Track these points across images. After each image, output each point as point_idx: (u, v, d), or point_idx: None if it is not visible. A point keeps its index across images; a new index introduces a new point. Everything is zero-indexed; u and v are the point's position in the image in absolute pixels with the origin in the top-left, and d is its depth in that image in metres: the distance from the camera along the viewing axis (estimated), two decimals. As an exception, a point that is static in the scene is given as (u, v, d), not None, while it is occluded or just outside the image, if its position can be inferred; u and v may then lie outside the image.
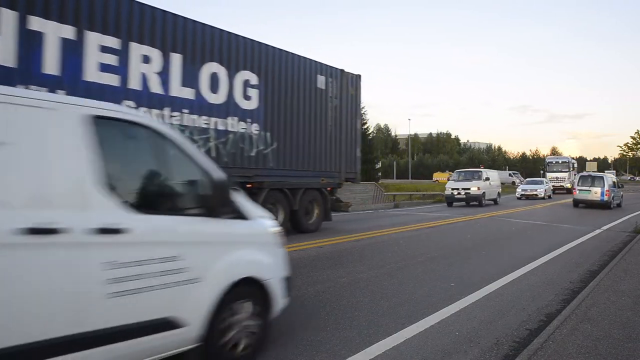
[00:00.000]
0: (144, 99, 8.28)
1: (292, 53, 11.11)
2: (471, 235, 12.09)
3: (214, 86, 9.42)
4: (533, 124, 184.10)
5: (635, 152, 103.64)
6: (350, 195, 21.87)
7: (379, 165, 49.41)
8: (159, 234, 3.15)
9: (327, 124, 11.79)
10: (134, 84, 8.13)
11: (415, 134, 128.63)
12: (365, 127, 45.40)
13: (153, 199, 3.36)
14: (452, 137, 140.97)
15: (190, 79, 8.92)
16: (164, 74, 8.56)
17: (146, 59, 8.36)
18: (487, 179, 23.91)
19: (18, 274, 2.47)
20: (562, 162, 42.13)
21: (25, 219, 2.50)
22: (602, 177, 22.60)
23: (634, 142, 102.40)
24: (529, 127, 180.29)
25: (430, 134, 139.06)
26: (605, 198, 21.36)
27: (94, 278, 2.74)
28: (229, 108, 9.70)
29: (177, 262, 3.15)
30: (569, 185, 38.83)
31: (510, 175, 62.47)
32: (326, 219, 12.34)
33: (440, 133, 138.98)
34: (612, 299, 5.56)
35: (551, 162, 43.34)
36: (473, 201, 23.04)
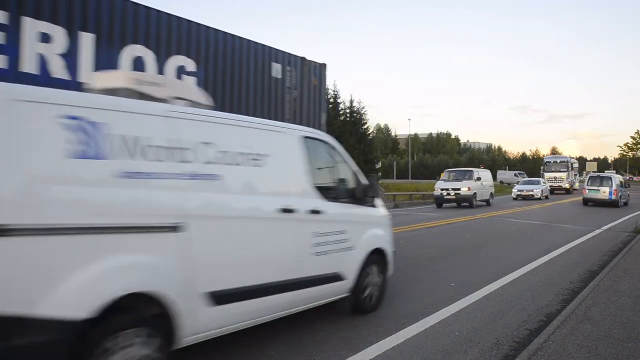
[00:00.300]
0: (42, 85, 7.48)
1: (239, 37, 9.94)
2: (471, 235, 12.09)
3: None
4: (533, 124, 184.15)
5: (635, 152, 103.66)
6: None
7: (379, 165, 49.39)
8: (336, 215, 4.68)
9: (284, 117, 10.56)
10: (29, 67, 7.11)
11: (415, 134, 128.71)
12: (365, 127, 45.44)
13: (332, 191, 4.81)
14: (452, 137, 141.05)
15: (105, 63, 7.78)
16: (69, 57, 7.53)
17: (45, 38, 7.39)
18: (479, 178, 22.92)
19: (276, 235, 4.03)
20: (561, 162, 41.03)
21: (280, 203, 4.01)
22: (610, 178, 24.41)
23: (634, 142, 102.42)
24: (529, 127, 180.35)
25: (430, 134, 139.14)
26: (613, 197, 22.92)
27: (308, 241, 4.26)
28: None
29: (343, 235, 4.67)
30: (567, 186, 38.14)
31: (515, 175, 61.85)
32: None
33: (440, 133, 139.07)
34: (612, 299, 5.57)
35: (549, 162, 42.20)
36: (464, 202, 21.90)
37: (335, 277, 4.61)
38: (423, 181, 74.03)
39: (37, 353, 2.58)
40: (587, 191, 24.06)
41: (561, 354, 3.84)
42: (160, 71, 8.42)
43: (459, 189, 21.81)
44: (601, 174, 27.34)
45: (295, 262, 4.16)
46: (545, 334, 4.29)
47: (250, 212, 3.88)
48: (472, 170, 24.08)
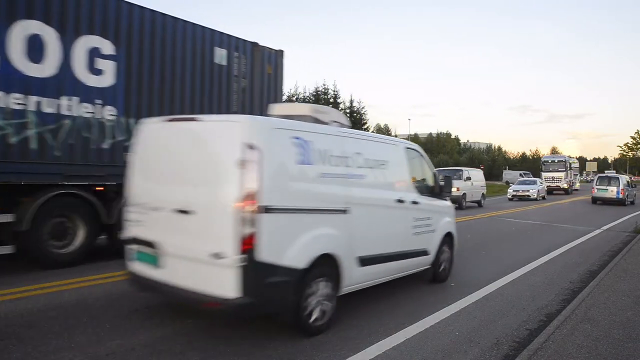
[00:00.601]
0: None
1: (173, 17, 8.54)
2: (471, 235, 12.09)
3: (35, 53, 6.76)
4: (533, 124, 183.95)
5: (635, 152, 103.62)
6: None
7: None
8: (426, 205, 6.25)
9: (230, 109, 9.26)
10: None
11: (415, 134, 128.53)
12: (365, 127, 45.51)
13: (422, 188, 6.33)
14: (452, 137, 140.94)
15: None
16: None
17: None
18: (469, 178, 21.92)
19: (394, 218, 5.64)
20: (559, 161, 39.58)
21: (396, 196, 5.63)
22: (617, 178, 26.47)
23: (634, 142, 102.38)
24: (529, 127, 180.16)
25: (430, 134, 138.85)
26: (621, 196, 24.76)
27: (410, 224, 5.88)
28: (62, 84, 7.04)
29: (429, 220, 6.28)
30: (565, 186, 37.28)
31: (521, 175, 61.23)
32: None
33: (440, 133, 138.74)
34: (612, 299, 5.57)
35: (547, 161, 40.89)
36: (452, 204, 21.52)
37: (424, 252, 6.24)
38: (423, 181, 73.96)
39: (280, 288, 4.05)
40: (596, 190, 25.71)
41: (561, 354, 3.85)
42: (67, 53, 7.13)
43: None
44: (609, 175, 29.18)
45: (404, 238, 5.82)
46: (545, 334, 4.30)
47: (381, 201, 5.44)
48: (461, 170, 22.84)
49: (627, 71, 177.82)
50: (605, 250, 9.88)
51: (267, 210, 3.89)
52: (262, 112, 9.15)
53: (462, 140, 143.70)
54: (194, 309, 4.44)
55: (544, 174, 38.01)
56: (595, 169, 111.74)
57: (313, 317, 4.33)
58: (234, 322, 4.62)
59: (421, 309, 5.26)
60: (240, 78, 9.59)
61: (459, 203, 20.53)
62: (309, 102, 40.03)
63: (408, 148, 6.32)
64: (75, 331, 4.30)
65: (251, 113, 9.45)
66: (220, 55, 9.18)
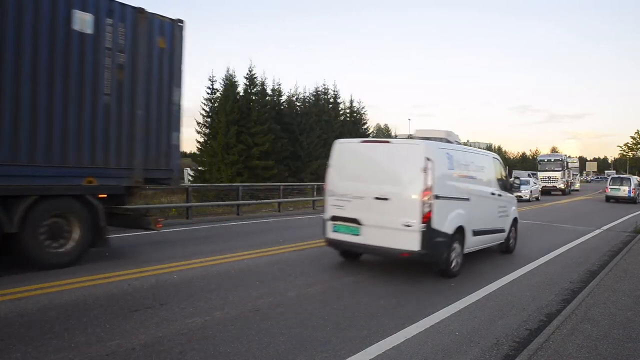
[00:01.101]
0: None
1: None
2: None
3: None
4: (533, 124, 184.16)
5: (635, 152, 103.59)
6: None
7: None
8: (504, 197, 8.86)
9: (99, 91, 7.33)
10: None
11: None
12: (365, 127, 45.48)
13: (501, 185, 8.86)
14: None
15: None
16: None
17: None
18: None
19: (490, 205, 8.34)
20: (555, 160, 38.29)
21: (490, 190, 8.40)
22: (629, 179, 29.87)
23: (634, 142, 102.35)
24: (529, 127, 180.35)
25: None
26: (632, 195, 27.81)
27: (496, 210, 8.54)
28: None
29: (505, 208, 8.94)
30: (562, 186, 36.07)
31: (529, 175, 60.50)
32: (97, 245, 7.55)
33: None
34: (612, 299, 5.57)
35: (543, 160, 39.62)
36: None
37: (502, 230, 8.88)
38: (423, 181, 73.85)
39: (441, 245, 6.55)
40: (609, 190, 29.16)
41: (561, 354, 3.84)
42: None
43: None
44: (621, 175, 33.11)
45: (494, 219, 8.44)
46: (545, 334, 4.30)
47: (484, 193, 8.13)
48: None
49: (627, 71, 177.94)
50: (605, 250, 9.88)
51: (436, 197, 6.50)
52: (153, 97, 8.09)
53: (462, 140, 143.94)
54: (197, 308, 4.41)
55: (540, 174, 36.87)
56: (595, 169, 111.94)
57: (452, 266, 6.90)
58: (236, 323, 4.63)
59: (421, 309, 5.26)
60: (116, 52, 7.52)
61: None
62: (308, 102, 40.03)
63: (494, 158, 9.31)
64: (75, 331, 4.30)
65: (135, 96, 7.81)
66: (83, 20, 7.17)
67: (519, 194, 26.58)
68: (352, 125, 43.29)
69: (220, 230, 12.46)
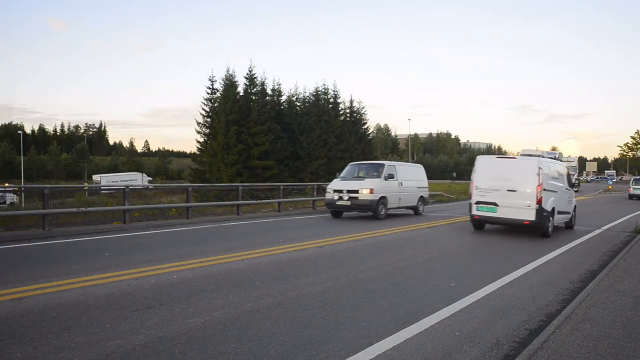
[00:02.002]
0: None
1: None
2: (471, 235, 12.08)
3: None
4: (533, 124, 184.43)
5: (635, 152, 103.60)
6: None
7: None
8: (571, 192, 13.90)
9: None
10: None
11: (415, 134, 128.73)
12: (365, 127, 45.49)
13: (568, 184, 13.78)
14: (452, 137, 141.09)
15: None
16: None
17: None
18: (391, 176, 15.96)
19: (565, 196, 13.10)
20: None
21: (566, 187, 13.56)
22: None
23: (634, 142, 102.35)
24: (529, 127, 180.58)
25: (430, 134, 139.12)
26: None
27: (567, 199, 13.32)
28: None
29: (571, 198, 13.81)
30: None
31: None
32: None
33: (440, 133, 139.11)
34: (612, 299, 5.57)
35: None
36: (363, 210, 15.47)
37: (569, 212, 13.37)
38: (423, 181, 73.72)
39: (546, 217, 11.55)
40: (632, 189, 34.36)
41: (561, 354, 3.84)
42: None
43: (356, 191, 15.28)
44: None
45: (566, 205, 12.96)
46: (545, 334, 4.29)
47: (562, 188, 12.77)
48: (382, 165, 16.63)
49: (627, 71, 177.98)
50: (605, 250, 9.88)
51: (544, 190, 11.18)
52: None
53: (462, 140, 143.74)
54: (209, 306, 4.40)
55: None
56: (595, 169, 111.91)
57: (550, 230, 11.60)
58: (235, 322, 4.63)
59: (421, 309, 5.26)
60: None
61: (372, 210, 15.17)
62: (308, 102, 40.04)
63: (566, 167, 14.28)
64: (75, 331, 4.30)
65: None
66: None
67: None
68: (352, 125, 43.32)
69: (220, 230, 12.45)
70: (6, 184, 62.18)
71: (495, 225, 13.18)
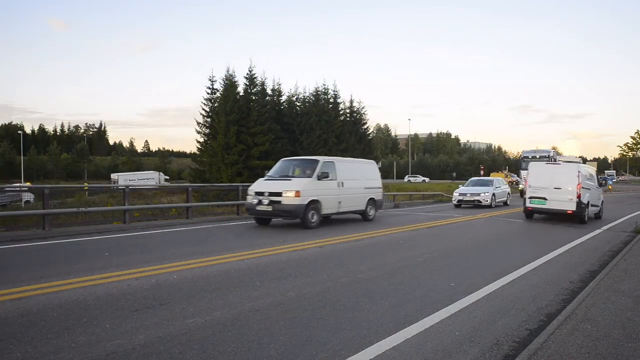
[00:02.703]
0: None
1: None
2: (471, 235, 12.09)
3: None
4: (533, 124, 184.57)
5: (635, 152, 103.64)
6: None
7: (379, 166, 49.36)
8: (599, 189, 18.35)
9: None
10: None
11: (415, 134, 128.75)
12: (365, 127, 45.49)
13: (597, 183, 18.36)
14: (452, 137, 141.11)
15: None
16: None
17: None
18: (325, 175, 13.10)
19: (595, 192, 17.10)
20: (541, 157, 33.05)
21: (595, 185, 17.73)
22: None
23: (634, 142, 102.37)
24: (529, 127, 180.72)
25: (430, 134, 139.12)
26: None
27: (598, 195, 17.50)
28: None
29: (600, 195, 17.99)
30: None
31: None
32: None
33: (440, 133, 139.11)
34: (612, 299, 5.56)
35: (527, 157, 34.10)
36: (287, 217, 12.96)
37: (598, 206, 17.17)
38: (423, 181, 73.91)
39: (583, 208, 15.31)
40: None
41: (561, 354, 3.84)
42: None
43: (279, 194, 12.43)
44: None
45: (596, 199, 16.86)
46: (545, 334, 4.29)
47: (593, 187, 16.75)
48: (315, 161, 13.50)
49: (627, 71, 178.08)
50: (605, 250, 9.88)
51: (582, 187, 14.94)
52: None
53: (462, 140, 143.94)
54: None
55: (523, 173, 31.97)
56: (596, 169, 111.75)
57: (586, 219, 15.25)
58: (235, 323, 4.63)
59: (421, 308, 5.26)
60: None
61: (300, 217, 12.34)
62: (308, 102, 40.03)
63: (594, 169, 18.98)
64: (75, 331, 4.30)
65: None
66: None
67: (476, 198, 22.43)
68: (352, 125, 43.32)
69: (220, 230, 12.45)
70: (28, 183, 62.48)
71: (509, 221, 13.15)
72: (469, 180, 26.46)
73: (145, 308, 5.03)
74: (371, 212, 15.18)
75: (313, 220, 12.59)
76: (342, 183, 13.75)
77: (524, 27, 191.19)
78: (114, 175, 75.36)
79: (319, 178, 12.92)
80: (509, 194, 25.17)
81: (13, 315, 4.74)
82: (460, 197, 23.02)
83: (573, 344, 4.07)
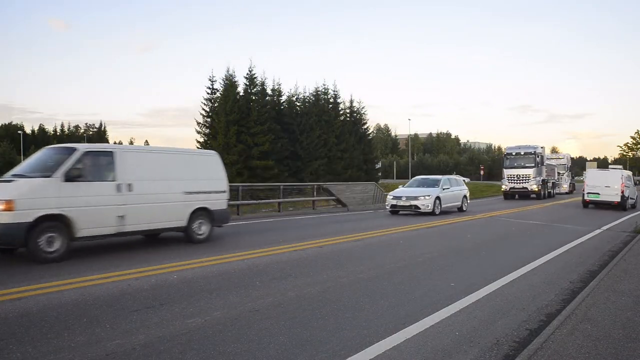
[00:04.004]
0: None
1: None
2: (471, 235, 12.09)
3: None
4: (533, 124, 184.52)
5: (635, 152, 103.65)
6: (350, 195, 21.90)
7: (379, 166, 49.37)
8: (635, 187, 25.86)
9: None
10: None
11: (415, 134, 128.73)
12: (365, 127, 45.47)
13: (633, 182, 26.91)
14: (452, 137, 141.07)
15: None
16: None
17: None
18: (78, 175, 8.04)
19: (633, 189, 24.63)
20: (526, 154, 29.31)
21: (634, 184, 26.98)
22: None
23: (634, 142, 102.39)
24: (529, 127, 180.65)
25: (430, 134, 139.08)
26: None
27: (635, 191, 24.51)
28: None
29: (635, 191, 24.22)
30: (535, 187, 28.18)
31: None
32: None
33: (440, 133, 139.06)
34: (612, 299, 5.56)
35: (510, 154, 30.20)
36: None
37: (633, 199, 23.35)
38: (423, 181, 73.73)
39: (625, 200, 22.54)
40: None
41: (561, 354, 3.84)
42: None
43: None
44: None
45: (634, 194, 23.55)
46: (545, 334, 4.29)
47: (630, 185, 23.79)
48: (70, 150, 8.38)
49: (627, 71, 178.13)
50: (605, 250, 9.88)
51: (625, 186, 21.77)
52: None
53: (462, 140, 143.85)
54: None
55: (505, 172, 29.48)
56: (631, 173, 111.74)
57: (627, 208, 22.07)
58: (235, 323, 4.63)
59: (421, 308, 5.26)
60: None
61: (16, 245, 7.85)
62: (308, 102, 40.00)
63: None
64: (75, 331, 4.30)
65: None
66: None
67: (412, 203, 17.19)
68: (352, 125, 43.29)
69: (220, 230, 12.45)
70: None
71: (509, 221, 12.89)
72: (412, 179, 20.83)
73: (145, 308, 5.03)
74: (202, 229, 10.10)
75: (49, 250, 7.60)
76: (131, 186, 8.72)
77: (524, 27, 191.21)
78: None
79: (69, 179, 7.90)
80: (465, 197, 19.95)
81: (13, 315, 4.74)
82: (395, 202, 17.65)
83: (573, 344, 4.07)
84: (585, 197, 22.48)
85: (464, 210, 19.43)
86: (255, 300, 5.42)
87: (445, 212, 17.94)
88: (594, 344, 4.08)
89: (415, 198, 17.26)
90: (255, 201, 18.74)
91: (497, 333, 4.56)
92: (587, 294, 5.77)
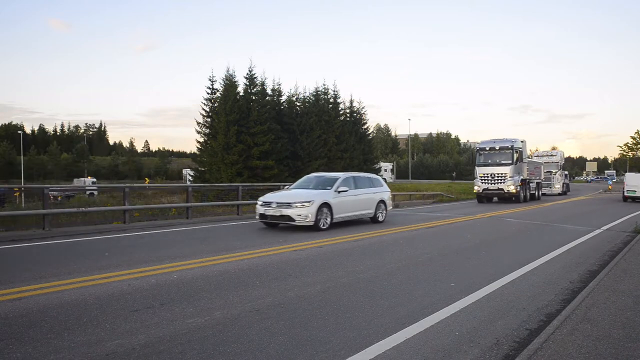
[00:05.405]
0: None
1: None
2: (471, 235, 12.09)
3: None
4: (533, 123, 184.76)
5: (635, 152, 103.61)
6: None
7: (378, 166, 49.33)
8: None
9: None
10: None
11: (415, 134, 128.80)
12: (365, 127, 45.46)
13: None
14: (452, 137, 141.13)
15: None
16: None
17: None
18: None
19: None
20: (502, 149, 24.86)
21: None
22: None
23: (634, 142, 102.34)
24: (529, 127, 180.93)
25: (430, 134, 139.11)
26: None
27: None
28: None
29: None
30: (512, 189, 23.91)
31: (599, 176, 57.46)
32: None
33: (440, 133, 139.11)
34: (612, 299, 5.56)
35: (484, 149, 25.52)
36: None
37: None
38: (423, 181, 73.94)
39: None
40: None
41: (561, 354, 3.84)
42: None
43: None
44: None
45: None
46: (545, 334, 4.29)
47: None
48: None
49: (627, 71, 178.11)
50: (605, 250, 9.88)
51: None
52: None
53: (462, 140, 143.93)
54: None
55: (478, 170, 25.33)
56: (595, 169, 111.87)
57: None
58: (235, 323, 4.63)
59: (421, 308, 5.26)
60: None
61: None
62: (308, 102, 39.98)
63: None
64: (75, 331, 4.30)
65: None
66: None
67: (287, 211, 11.93)
68: (352, 125, 43.28)
69: (220, 230, 12.45)
70: (91, 178, 63.70)
71: (509, 221, 13.03)
72: (304, 177, 15.19)
73: (145, 308, 5.03)
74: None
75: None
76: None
77: (524, 27, 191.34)
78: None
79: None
80: (383, 202, 14.67)
81: (13, 315, 4.74)
82: (264, 210, 12.33)
83: (573, 344, 4.07)
84: (625, 194, 29.87)
85: (380, 222, 14.36)
86: (255, 300, 5.42)
87: (347, 224, 13.49)
88: (594, 344, 4.09)
89: (289, 205, 11.95)
90: (255, 201, 18.73)
91: (497, 333, 4.56)
92: (587, 294, 5.77)
